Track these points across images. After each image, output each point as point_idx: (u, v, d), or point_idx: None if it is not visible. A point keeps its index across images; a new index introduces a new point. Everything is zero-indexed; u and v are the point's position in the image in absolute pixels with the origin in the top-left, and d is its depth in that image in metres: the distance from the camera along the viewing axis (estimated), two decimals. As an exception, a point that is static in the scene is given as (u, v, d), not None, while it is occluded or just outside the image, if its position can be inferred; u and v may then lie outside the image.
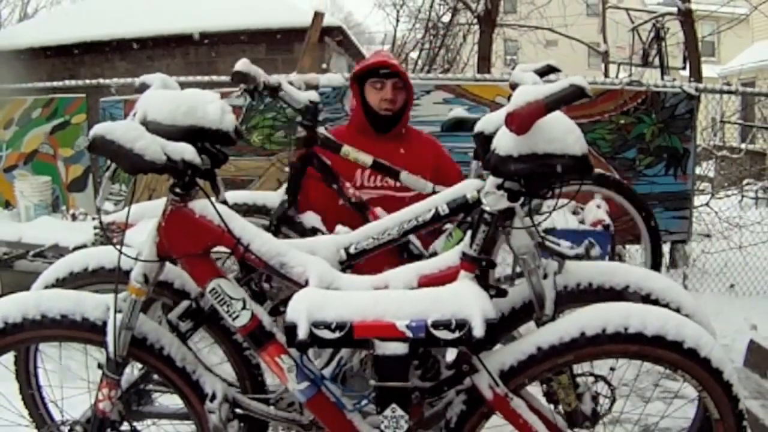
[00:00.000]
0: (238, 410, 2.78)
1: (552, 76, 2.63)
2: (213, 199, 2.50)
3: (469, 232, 2.36)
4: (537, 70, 2.63)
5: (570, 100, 2.09)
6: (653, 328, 2.37)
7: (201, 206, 2.50)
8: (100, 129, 2.24)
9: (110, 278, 2.89)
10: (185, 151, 2.32)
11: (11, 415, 3.13)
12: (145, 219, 3.10)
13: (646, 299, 2.69)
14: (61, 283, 3.07)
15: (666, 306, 2.66)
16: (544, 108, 2.09)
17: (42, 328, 2.62)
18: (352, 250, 2.78)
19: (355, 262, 2.85)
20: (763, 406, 4.57)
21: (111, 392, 2.62)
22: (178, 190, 2.47)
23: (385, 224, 2.78)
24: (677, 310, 2.65)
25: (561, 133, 2.10)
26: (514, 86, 2.51)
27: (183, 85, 2.71)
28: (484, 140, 2.52)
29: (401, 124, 3.92)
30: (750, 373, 5.14)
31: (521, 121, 2.11)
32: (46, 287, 3.07)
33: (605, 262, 3.18)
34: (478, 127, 2.65)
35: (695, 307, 2.77)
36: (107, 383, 2.61)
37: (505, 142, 2.12)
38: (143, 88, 2.59)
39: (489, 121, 2.61)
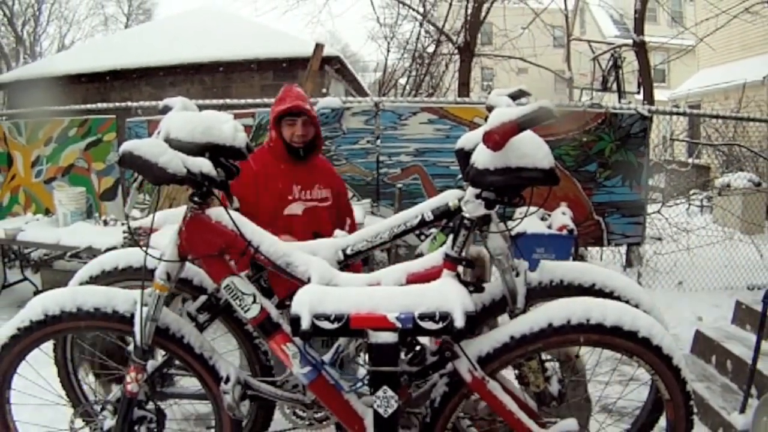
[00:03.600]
0: (249, 391, 2.79)
1: (523, 100, 2.63)
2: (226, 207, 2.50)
3: (450, 236, 2.37)
4: (510, 94, 2.62)
5: (539, 120, 2.12)
6: (611, 319, 2.38)
7: (216, 213, 2.50)
8: (129, 146, 2.24)
9: (137, 276, 2.92)
10: (203, 165, 2.33)
11: (51, 395, 3.13)
12: (167, 224, 3.09)
13: (610, 296, 2.72)
14: (94, 280, 3.10)
15: (627, 302, 2.69)
16: (517, 127, 2.13)
17: (78, 320, 2.63)
18: (348, 251, 2.78)
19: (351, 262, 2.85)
20: (707, 387, 4.58)
21: (138, 375, 2.62)
22: (196, 198, 2.47)
23: (377, 229, 2.77)
24: (636, 306, 2.68)
25: (531, 150, 2.10)
26: (490, 108, 2.50)
27: (201, 108, 2.70)
28: (464, 156, 2.53)
29: (314, 154, 3.98)
30: (696, 359, 5.14)
31: (497, 139, 2.15)
32: (81, 284, 3.09)
33: (576, 263, 3.17)
34: (459, 144, 2.65)
35: (651, 303, 2.81)
36: (134, 368, 2.61)
37: (483, 158, 2.13)
38: (166, 109, 2.59)
39: (468, 139, 2.60)
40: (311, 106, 3.84)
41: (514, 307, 2.59)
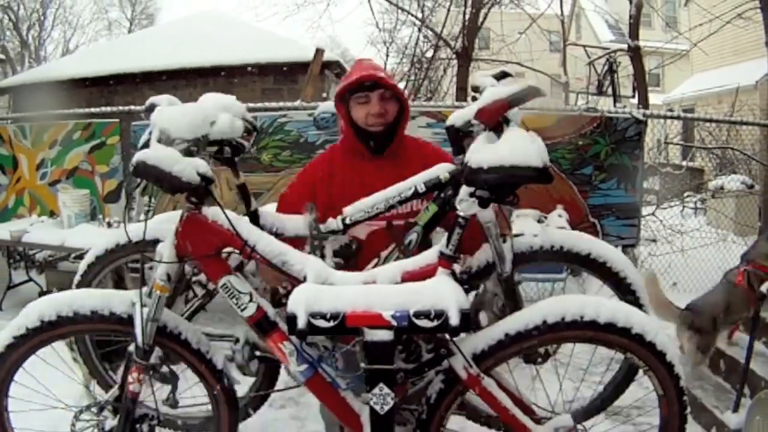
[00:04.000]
0: (257, 352, 2.85)
1: (507, 80, 2.65)
2: (229, 208, 2.49)
3: (445, 235, 2.35)
4: (494, 75, 2.63)
5: (528, 98, 2.25)
6: (605, 316, 2.36)
7: (213, 212, 2.48)
8: (143, 155, 2.24)
9: (137, 249, 2.95)
10: (199, 165, 2.31)
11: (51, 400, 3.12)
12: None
13: (603, 265, 2.89)
14: (100, 259, 3.31)
15: (617, 273, 2.90)
16: (508, 105, 2.24)
17: (75, 324, 2.63)
18: (347, 221, 2.76)
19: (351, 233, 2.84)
20: (701, 387, 4.58)
21: (140, 376, 2.60)
22: (193, 198, 2.45)
23: (374, 199, 2.75)
24: (625, 278, 2.89)
25: (524, 148, 2.09)
26: (475, 88, 2.55)
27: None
28: (455, 132, 2.67)
29: (394, 143, 3.04)
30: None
31: (489, 115, 2.28)
32: (89, 265, 3.31)
33: (575, 231, 3.28)
34: (449, 122, 2.71)
35: (638, 277, 2.97)
36: (136, 368, 2.59)
37: (476, 157, 2.11)
38: (152, 107, 2.56)
39: (458, 116, 2.68)
40: (390, 76, 3.07)
41: (503, 270, 2.68)
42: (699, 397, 4.38)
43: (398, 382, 2.36)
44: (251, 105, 8.13)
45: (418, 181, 2.74)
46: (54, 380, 3.23)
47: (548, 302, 2.46)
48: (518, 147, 2.08)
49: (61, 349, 3.31)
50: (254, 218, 2.86)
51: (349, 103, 2.99)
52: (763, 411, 3.55)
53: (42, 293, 6.71)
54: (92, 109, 8.55)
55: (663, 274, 7.41)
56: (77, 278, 3.36)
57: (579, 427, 2.54)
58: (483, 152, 2.11)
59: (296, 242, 2.71)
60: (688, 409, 2.61)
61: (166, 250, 2.54)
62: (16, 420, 2.95)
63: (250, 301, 2.49)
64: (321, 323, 2.13)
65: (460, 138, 2.69)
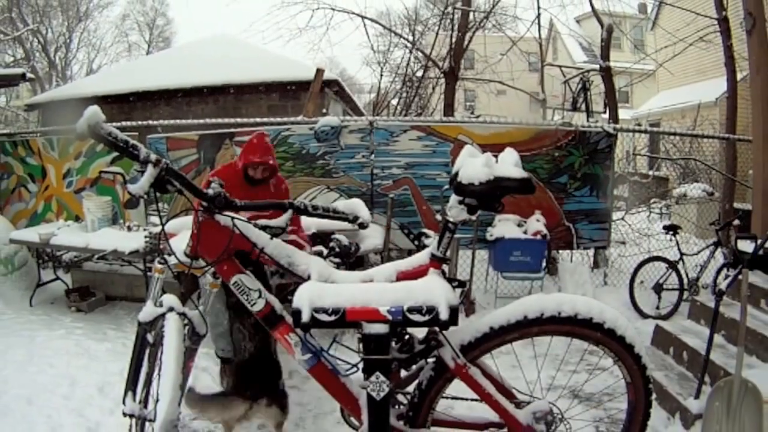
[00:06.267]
0: None
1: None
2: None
3: (436, 238, 2.37)
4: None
5: None
6: (581, 313, 2.41)
7: (224, 219, 2.49)
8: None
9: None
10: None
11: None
12: (183, 230, 3.09)
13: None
14: None
15: None
16: None
17: None
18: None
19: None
20: (666, 376, 4.59)
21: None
22: (206, 204, 2.46)
23: None
24: None
25: (509, 163, 2.11)
26: None
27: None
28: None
29: (268, 179, 4.46)
30: (656, 350, 5.16)
31: None
32: None
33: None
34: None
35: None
36: None
37: (467, 173, 2.12)
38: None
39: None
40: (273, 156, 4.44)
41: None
42: (664, 385, 4.40)
43: (393, 370, 2.39)
44: (258, 120, 8.17)
45: None
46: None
47: (529, 299, 2.49)
48: (503, 162, 2.10)
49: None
50: None
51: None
52: (721, 397, 3.57)
53: (68, 291, 6.71)
54: (113, 124, 8.52)
55: (630, 273, 7.42)
56: None
57: (555, 410, 2.57)
58: (468, 168, 2.12)
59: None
60: (654, 396, 2.65)
61: (180, 251, 2.55)
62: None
63: (259, 297, 2.51)
64: (323, 317, 2.15)
65: None
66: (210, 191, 2.36)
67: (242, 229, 2.46)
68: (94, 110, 2.12)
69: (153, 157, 2.21)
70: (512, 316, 2.42)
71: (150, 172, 2.19)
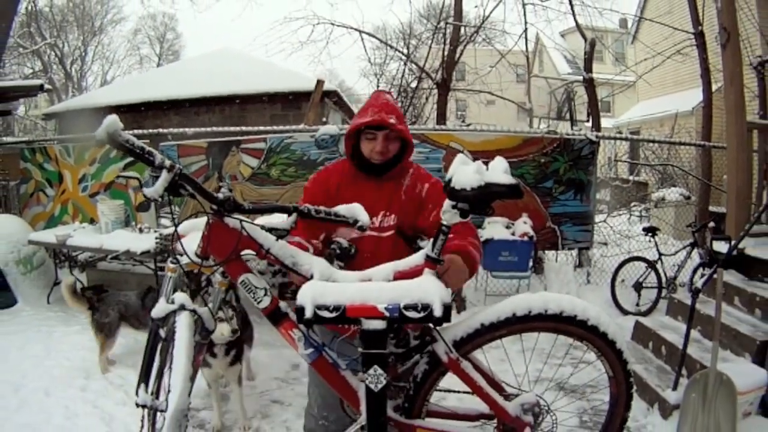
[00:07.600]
0: None
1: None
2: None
3: (431, 240, 2.37)
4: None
5: None
6: (566, 310, 2.42)
7: (233, 221, 2.49)
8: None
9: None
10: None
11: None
12: (193, 231, 3.09)
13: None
14: None
15: None
16: None
17: None
18: None
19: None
20: (645, 369, 4.61)
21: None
22: (216, 208, 2.46)
23: None
24: None
25: (498, 170, 2.11)
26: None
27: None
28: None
29: (395, 171, 2.93)
30: (636, 345, 5.18)
31: None
32: None
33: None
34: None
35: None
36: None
37: (460, 180, 2.12)
38: None
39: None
40: (399, 116, 2.91)
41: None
42: (644, 377, 4.41)
43: (390, 364, 2.40)
44: (262, 128, 8.18)
45: None
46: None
47: (517, 298, 2.50)
48: (494, 169, 2.10)
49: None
50: None
51: (360, 134, 2.92)
52: (698, 389, 3.59)
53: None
54: (126, 132, 8.53)
55: (611, 273, 7.43)
56: None
57: (541, 402, 2.58)
58: (461, 174, 2.12)
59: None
60: (635, 388, 2.67)
61: (192, 251, 2.56)
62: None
63: (265, 295, 2.50)
64: (325, 314, 2.15)
65: None
66: (220, 195, 2.37)
67: (249, 231, 2.46)
68: (113, 119, 2.12)
69: (167, 162, 2.22)
70: (502, 313, 2.44)
71: (164, 176, 2.20)
